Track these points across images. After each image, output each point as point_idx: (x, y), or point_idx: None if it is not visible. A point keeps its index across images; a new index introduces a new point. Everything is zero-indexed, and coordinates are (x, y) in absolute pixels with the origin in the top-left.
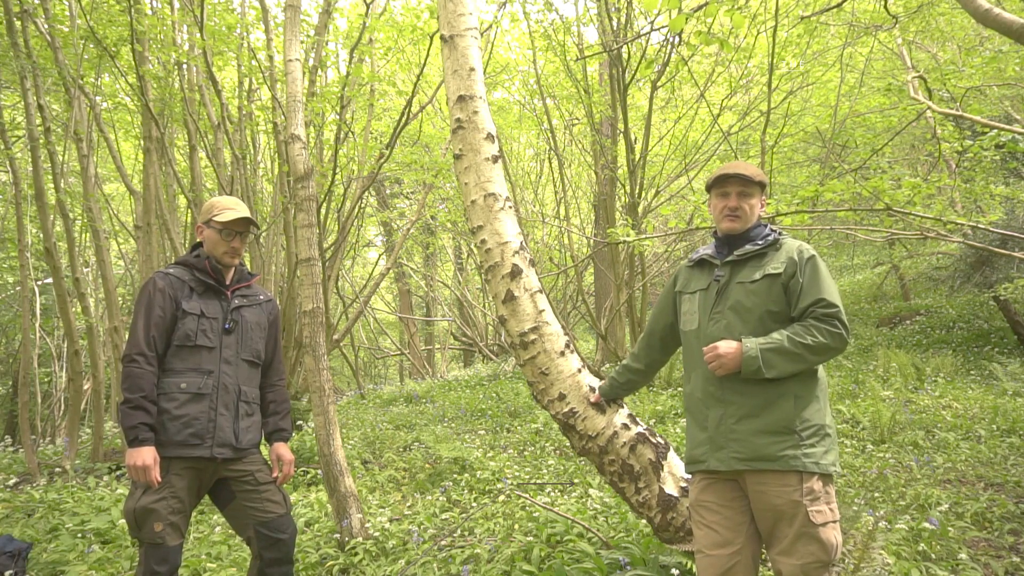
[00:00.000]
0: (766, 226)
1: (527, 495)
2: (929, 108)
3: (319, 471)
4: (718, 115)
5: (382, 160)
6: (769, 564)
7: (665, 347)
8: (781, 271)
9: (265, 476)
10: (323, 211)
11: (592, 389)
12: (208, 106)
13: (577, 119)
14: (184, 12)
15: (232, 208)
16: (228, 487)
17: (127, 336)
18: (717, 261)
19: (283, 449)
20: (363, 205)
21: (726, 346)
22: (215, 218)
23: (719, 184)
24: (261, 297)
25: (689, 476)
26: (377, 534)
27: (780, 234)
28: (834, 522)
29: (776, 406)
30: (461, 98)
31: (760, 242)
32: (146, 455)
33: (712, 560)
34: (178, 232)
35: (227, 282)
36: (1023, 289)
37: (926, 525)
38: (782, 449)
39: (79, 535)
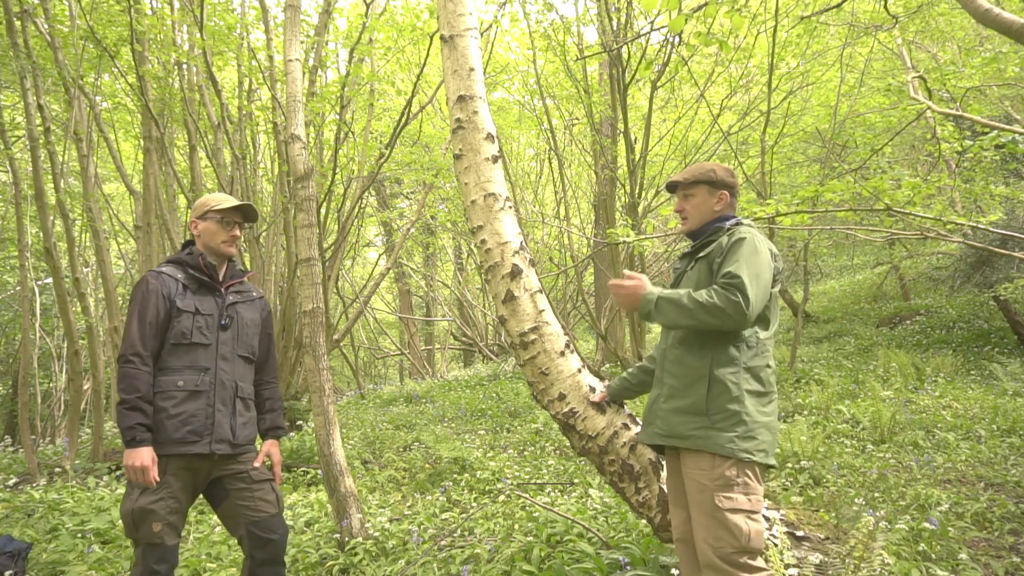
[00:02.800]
0: (730, 218)
1: (527, 495)
2: (929, 108)
3: (319, 471)
4: (718, 115)
5: (382, 160)
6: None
7: None
8: (708, 254)
9: (260, 475)
10: (323, 211)
11: (592, 389)
12: (208, 106)
13: (577, 119)
14: (184, 12)
15: (228, 199)
16: (222, 485)
17: (122, 337)
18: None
19: (274, 448)
20: (363, 205)
21: (632, 283)
22: (213, 208)
23: (670, 191)
24: (254, 294)
25: None
26: (377, 534)
27: (738, 223)
28: (749, 512)
29: (692, 389)
30: (461, 98)
31: (710, 232)
32: (144, 455)
33: (675, 514)
34: (178, 232)
35: (220, 278)
36: (1023, 289)
37: (926, 525)
38: (692, 429)
39: (79, 535)
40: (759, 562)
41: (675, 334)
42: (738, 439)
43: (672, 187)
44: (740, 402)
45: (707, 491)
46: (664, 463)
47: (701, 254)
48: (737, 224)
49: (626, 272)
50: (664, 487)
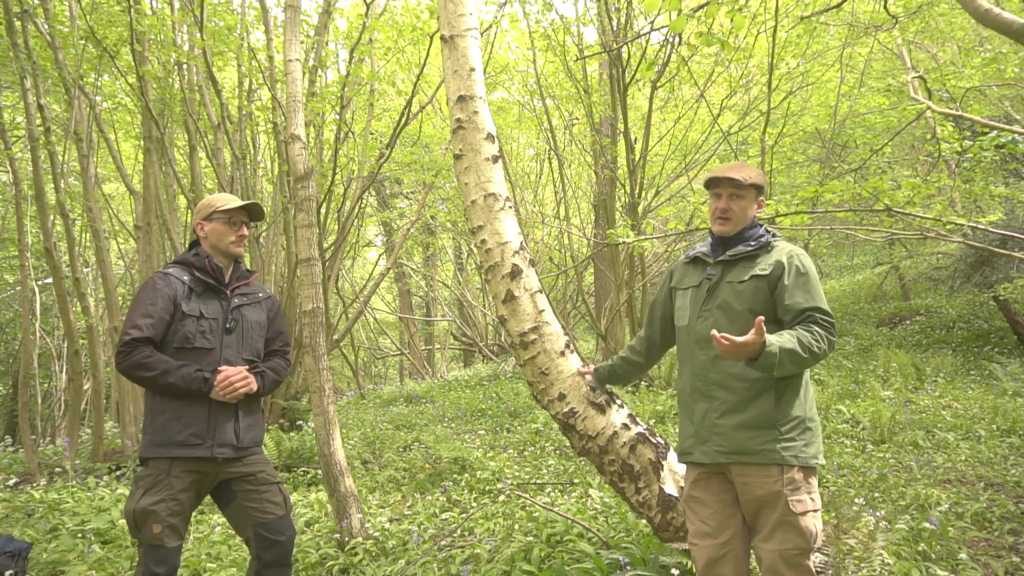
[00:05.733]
0: (762, 227)
1: (527, 495)
2: (929, 108)
3: (319, 471)
4: (718, 115)
5: (382, 160)
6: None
7: (664, 339)
8: (768, 273)
9: (267, 477)
10: (323, 211)
11: (592, 389)
12: (208, 106)
13: (577, 119)
14: (184, 12)
15: (233, 199)
16: (230, 487)
17: (124, 324)
18: (710, 259)
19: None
20: (363, 205)
21: (751, 337)
22: (220, 208)
23: (712, 186)
24: (260, 295)
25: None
26: (377, 534)
27: (775, 236)
28: (814, 511)
29: (757, 402)
30: (461, 98)
31: (753, 243)
32: (221, 381)
33: (703, 549)
34: (178, 232)
35: (226, 280)
36: (1023, 289)
37: (926, 525)
38: (762, 443)
39: (79, 535)
40: (810, 562)
41: (719, 348)
42: (805, 447)
43: (719, 183)
44: (803, 406)
45: (781, 497)
46: (664, 464)
47: (759, 271)
48: (775, 236)
49: (757, 328)
50: (664, 487)
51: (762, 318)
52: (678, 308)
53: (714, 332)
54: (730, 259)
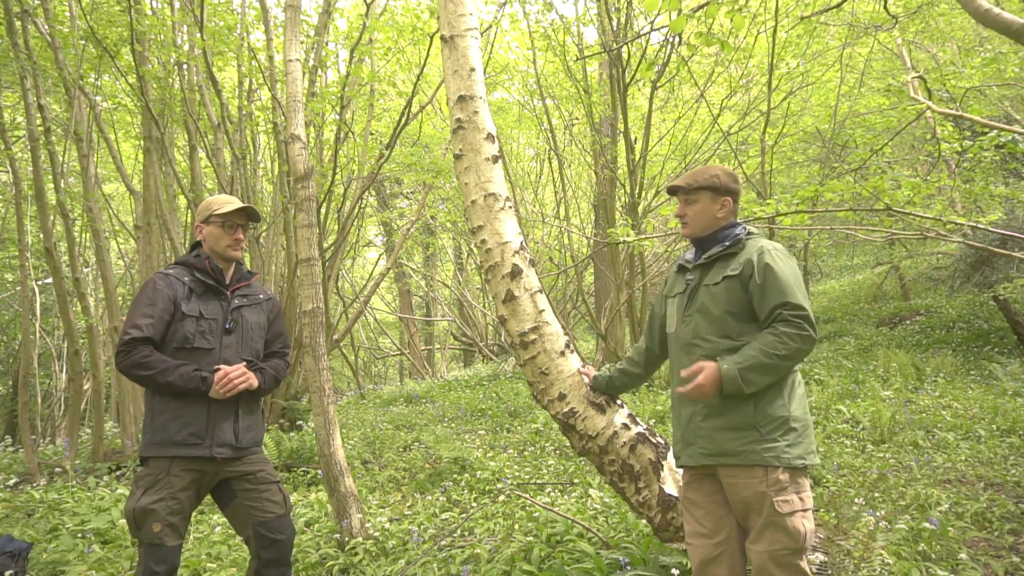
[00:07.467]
0: (738, 226)
1: (527, 495)
2: (929, 108)
3: (319, 471)
4: (718, 115)
5: (382, 160)
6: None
7: (663, 349)
8: (738, 272)
9: (266, 476)
10: (323, 211)
11: (592, 389)
12: (208, 106)
13: (577, 119)
14: (184, 12)
15: (230, 202)
16: (229, 486)
17: (124, 323)
18: (689, 265)
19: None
20: (363, 205)
21: (702, 375)
22: (216, 212)
23: (671, 195)
24: (261, 296)
25: None
26: (377, 534)
27: (749, 234)
28: (803, 511)
29: (737, 403)
30: (461, 98)
31: (727, 243)
32: (220, 378)
33: (698, 549)
34: (178, 232)
35: (227, 281)
36: (1023, 289)
37: (926, 525)
38: (743, 444)
39: (79, 535)
40: (804, 563)
41: (701, 352)
42: (789, 447)
43: (673, 191)
44: (786, 407)
45: (766, 498)
46: (664, 464)
47: (730, 272)
48: (750, 235)
49: (698, 366)
50: (664, 487)
51: (699, 365)
52: (668, 316)
53: (679, 389)
54: (706, 262)
